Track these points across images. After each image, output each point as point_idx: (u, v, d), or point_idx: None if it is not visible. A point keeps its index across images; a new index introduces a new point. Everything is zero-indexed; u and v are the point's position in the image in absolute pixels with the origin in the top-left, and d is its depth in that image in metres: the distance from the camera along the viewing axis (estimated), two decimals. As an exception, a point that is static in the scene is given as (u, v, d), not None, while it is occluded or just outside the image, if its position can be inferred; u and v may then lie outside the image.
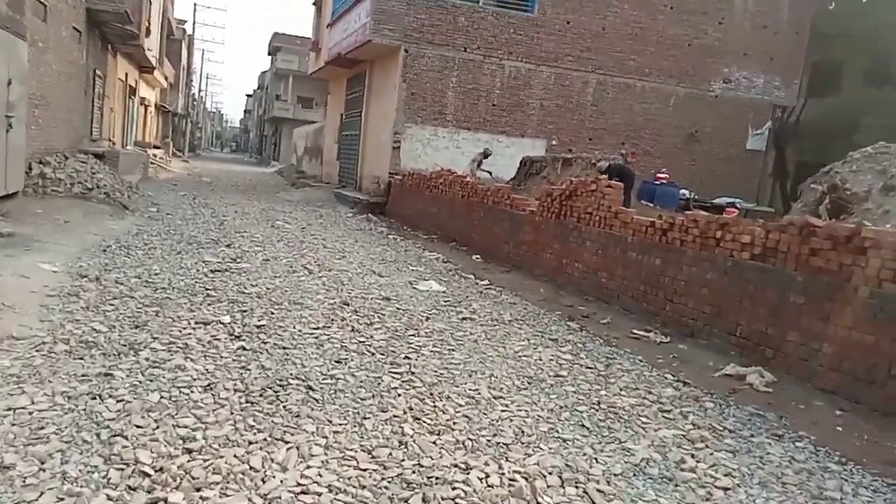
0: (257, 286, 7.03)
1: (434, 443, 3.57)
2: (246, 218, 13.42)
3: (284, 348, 4.99)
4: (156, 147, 33.16)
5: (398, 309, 6.69)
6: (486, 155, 16.04)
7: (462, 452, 3.48)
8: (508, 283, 8.85)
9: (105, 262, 7.40)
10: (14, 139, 9.69)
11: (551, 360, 5.41)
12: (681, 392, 4.90)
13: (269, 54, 60.93)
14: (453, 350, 5.40)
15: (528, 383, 4.76)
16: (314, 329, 5.60)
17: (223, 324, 5.46)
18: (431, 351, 5.30)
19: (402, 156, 17.90)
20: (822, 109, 20.82)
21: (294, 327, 5.59)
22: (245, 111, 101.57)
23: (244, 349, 4.88)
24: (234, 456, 3.21)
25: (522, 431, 3.85)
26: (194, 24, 49.23)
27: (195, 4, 48.72)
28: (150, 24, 23.86)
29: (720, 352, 5.94)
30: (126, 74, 24.79)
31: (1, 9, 8.99)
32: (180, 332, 5.12)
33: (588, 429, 4.01)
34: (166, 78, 35.63)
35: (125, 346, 4.65)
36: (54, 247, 7.73)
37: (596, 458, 3.58)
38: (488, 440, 3.67)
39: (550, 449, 3.64)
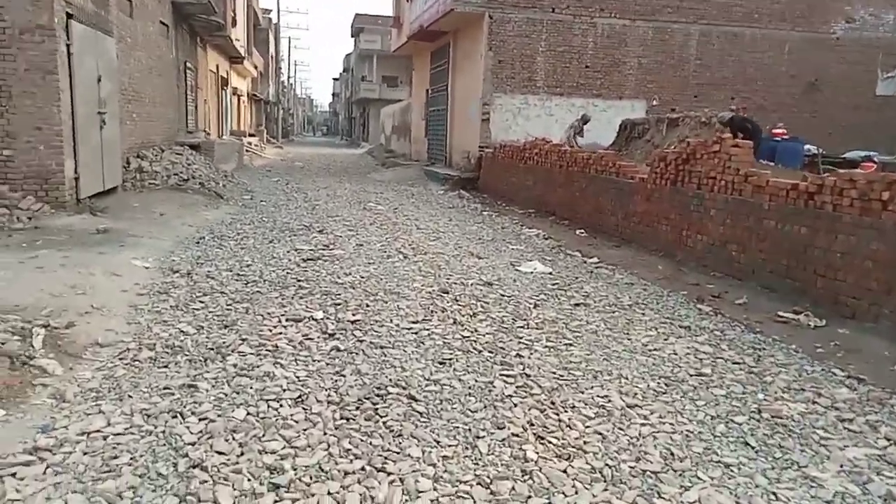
0: (351, 275, 6.59)
1: (565, 472, 2.92)
2: (338, 201, 13.16)
3: (382, 347, 4.47)
4: (251, 135, 34.00)
5: (502, 295, 6.05)
6: (584, 120, 14.97)
7: (602, 486, 2.81)
8: (620, 260, 8.01)
9: (198, 255, 7.20)
10: (108, 135, 9.73)
11: (688, 353, 4.61)
12: (858, 393, 3.99)
13: (353, 36, 61.18)
14: (571, 345, 4.70)
15: (667, 385, 4.00)
16: (413, 323, 5.05)
17: (316, 320, 5.02)
18: (546, 346, 4.63)
19: (491, 128, 17.15)
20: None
21: (391, 321, 5.07)
22: (333, 94, 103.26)
23: (338, 350, 4.39)
24: (328, 492, 2.69)
25: (672, 453, 3.13)
26: (279, 11, 49.97)
27: (279, -8, 49.40)
28: (235, 14, 24.14)
29: (894, 338, 4.93)
30: (217, 66, 25.27)
31: (86, 6, 8.94)
32: (271, 331, 4.71)
33: (753, 448, 3.23)
34: (256, 67, 36.39)
35: (212, 349, 4.28)
36: (148, 241, 7.62)
37: (774, 494, 2.81)
38: (632, 467, 2.98)
39: (712, 479, 2.91)
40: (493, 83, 16.94)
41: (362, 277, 6.51)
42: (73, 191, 8.44)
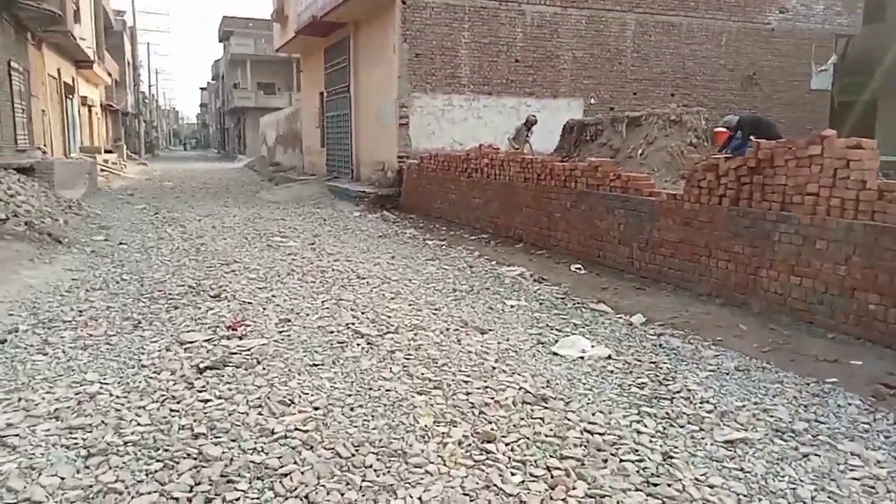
0: (294, 403, 3.58)
1: None
2: (229, 235, 9.86)
3: None
4: (107, 151, 29.04)
5: (588, 433, 3.30)
6: (530, 124, 12.56)
7: None
8: (675, 317, 5.51)
9: (-6, 378, 3.90)
10: None
11: None
12: None
13: (221, 41, 56.17)
14: None
15: None
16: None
17: None
18: None
19: (411, 134, 14.38)
20: (869, 40, 17.62)
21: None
22: (201, 105, 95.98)
23: None
24: None
25: None
26: (134, 13, 44.35)
27: (134, -9, 43.70)
28: (78, 8, 19.74)
29: None
30: (59, 70, 20.75)
31: None
32: None
33: None
34: (110, 74, 31.34)
35: None
36: None
37: None
38: None
39: None
40: (410, 80, 14.17)
41: (316, 409, 3.52)
42: None
